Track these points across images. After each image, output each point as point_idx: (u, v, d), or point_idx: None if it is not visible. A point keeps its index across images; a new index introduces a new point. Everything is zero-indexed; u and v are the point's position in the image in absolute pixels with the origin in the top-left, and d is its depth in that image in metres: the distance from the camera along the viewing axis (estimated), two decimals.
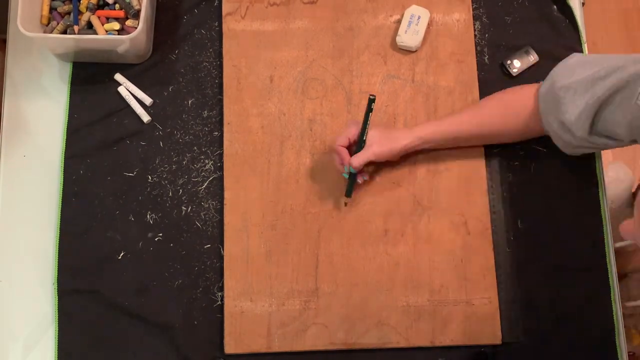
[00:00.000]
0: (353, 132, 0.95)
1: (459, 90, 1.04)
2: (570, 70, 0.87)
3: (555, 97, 0.87)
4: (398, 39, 1.03)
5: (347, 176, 0.96)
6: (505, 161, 1.02)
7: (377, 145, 0.94)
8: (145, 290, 0.98)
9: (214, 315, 0.97)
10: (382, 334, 0.95)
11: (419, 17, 1.03)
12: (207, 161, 1.03)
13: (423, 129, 0.95)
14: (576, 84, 0.85)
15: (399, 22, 1.06)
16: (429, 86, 1.04)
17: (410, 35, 1.02)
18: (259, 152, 1.02)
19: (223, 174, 1.01)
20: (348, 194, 0.97)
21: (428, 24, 1.04)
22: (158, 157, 1.03)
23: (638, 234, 0.67)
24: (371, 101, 0.94)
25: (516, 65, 1.04)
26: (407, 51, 1.04)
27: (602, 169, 1.02)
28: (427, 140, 0.95)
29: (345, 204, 0.99)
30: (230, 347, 0.95)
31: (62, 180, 1.02)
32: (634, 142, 0.83)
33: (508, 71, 1.05)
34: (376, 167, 1.01)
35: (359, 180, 0.97)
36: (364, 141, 0.94)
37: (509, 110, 0.94)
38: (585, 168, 1.02)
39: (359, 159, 0.93)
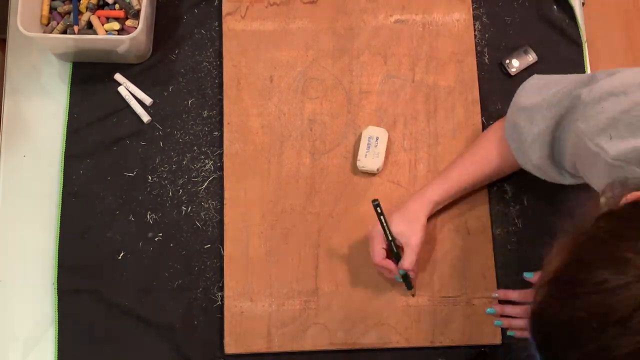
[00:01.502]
0: (382, 241, 0.92)
1: (459, 90, 1.04)
2: (530, 93, 0.85)
3: (516, 126, 0.85)
4: (358, 163, 0.98)
5: (400, 279, 0.94)
6: None
7: (412, 237, 0.90)
8: (145, 290, 0.98)
9: (214, 315, 0.97)
10: (382, 334, 0.95)
11: (377, 139, 0.98)
12: (207, 161, 1.03)
13: (432, 192, 0.93)
14: (533, 109, 0.82)
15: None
16: (429, 86, 1.04)
17: (371, 158, 0.98)
18: (259, 152, 1.02)
19: (223, 174, 1.01)
20: (410, 287, 0.95)
21: (387, 142, 0.99)
22: (158, 157, 1.03)
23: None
24: (376, 206, 0.90)
25: (515, 64, 1.04)
26: (369, 174, 1.00)
27: None
28: (440, 201, 0.93)
29: (413, 295, 0.96)
30: (230, 347, 0.95)
31: (62, 180, 1.02)
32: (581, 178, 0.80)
33: (507, 71, 1.05)
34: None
35: (411, 274, 0.94)
36: (395, 241, 0.91)
37: (501, 151, 0.91)
38: None
39: (409, 261, 0.90)
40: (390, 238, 0.91)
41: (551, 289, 0.54)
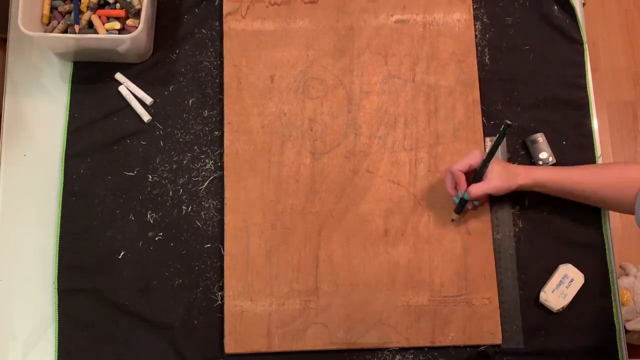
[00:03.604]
0: (476, 160, 0.94)
1: (459, 90, 1.04)
2: None
3: None
4: (543, 295, 0.96)
5: (456, 200, 0.95)
6: (505, 161, 1.02)
7: (498, 180, 0.93)
8: (145, 290, 0.98)
9: (214, 315, 0.97)
10: (382, 334, 0.95)
11: (571, 280, 0.96)
12: (207, 161, 1.03)
13: (542, 172, 0.94)
14: None
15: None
16: (430, 86, 1.04)
17: (557, 296, 0.96)
18: (260, 151, 1.02)
19: (223, 174, 1.01)
20: (458, 211, 0.97)
21: (581, 288, 0.97)
22: (158, 157, 1.03)
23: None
24: (505, 129, 0.91)
25: (542, 157, 1.02)
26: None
27: None
28: (542, 185, 0.94)
29: (453, 220, 0.98)
30: (230, 347, 0.95)
31: (63, 180, 1.02)
32: None
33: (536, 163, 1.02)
34: (375, 165, 1.01)
35: (469, 206, 0.97)
36: (485, 172, 0.93)
37: (629, 186, 0.89)
38: None
39: (478, 190, 0.93)
40: (487, 162, 0.93)
41: None
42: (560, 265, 0.98)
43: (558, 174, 0.94)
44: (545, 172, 0.94)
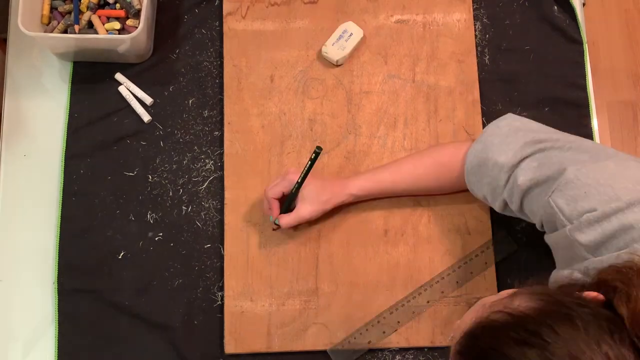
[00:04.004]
0: (289, 186, 0.93)
1: (459, 90, 1.04)
2: (502, 142, 0.84)
3: (482, 172, 0.86)
4: (323, 48, 1.03)
5: (272, 219, 0.95)
6: None
7: (306, 210, 0.93)
8: (145, 290, 0.98)
9: (214, 315, 0.97)
10: (382, 334, 0.95)
11: (350, 34, 1.02)
12: (207, 161, 1.03)
13: (358, 185, 0.94)
14: (504, 165, 0.82)
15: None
16: (430, 86, 1.04)
17: (336, 49, 1.02)
18: (260, 151, 1.02)
19: (223, 174, 1.01)
20: (274, 225, 0.97)
21: (360, 42, 1.03)
22: (158, 157, 1.03)
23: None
24: (317, 155, 0.89)
25: None
26: (329, 62, 1.04)
27: None
28: (360, 197, 0.96)
29: (274, 229, 0.98)
30: (230, 347, 0.95)
31: (63, 180, 1.02)
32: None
33: None
34: (375, 165, 1.01)
35: (275, 227, 0.98)
36: (296, 197, 0.93)
37: (444, 173, 0.93)
38: None
39: (287, 221, 0.93)
40: (298, 188, 0.92)
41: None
42: (342, 23, 1.03)
43: (371, 180, 0.95)
44: (360, 182, 0.95)
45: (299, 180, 0.92)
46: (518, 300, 0.61)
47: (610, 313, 0.58)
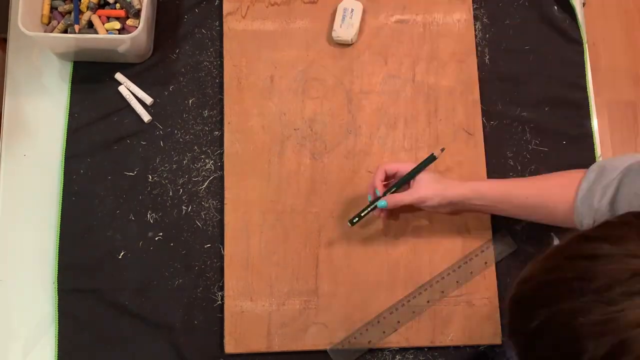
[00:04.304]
0: (403, 168, 0.91)
1: (459, 90, 1.04)
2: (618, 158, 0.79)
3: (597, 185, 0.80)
4: (334, 33, 1.04)
5: (370, 198, 0.93)
6: (505, 161, 1.02)
7: (425, 189, 0.88)
8: (145, 290, 0.98)
9: (214, 315, 0.97)
10: (382, 334, 0.95)
11: (352, 10, 1.04)
12: (207, 161, 1.03)
13: (479, 185, 0.90)
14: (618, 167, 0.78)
15: (333, 16, 1.07)
16: (430, 86, 1.04)
17: (345, 28, 1.03)
18: (260, 151, 1.02)
19: (223, 174, 1.01)
20: (354, 221, 0.93)
21: (362, 15, 1.05)
22: (158, 157, 1.03)
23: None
24: (433, 159, 0.91)
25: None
26: (344, 45, 1.05)
27: None
28: (481, 195, 0.88)
29: (351, 225, 0.95)
30: (230, 347, 0.95)
31: (63, 180, 1.02)
32: None
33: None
34: (376, 165, 1.01)
35: (376, 213, 0.94)
36: (408, 181, 0.91)
37: (566, 189, 0.84)
38: (586, 167, 1.02)
39: (402, 198, 0.89)
40: (411, 174, 0.90)
41: (547, 257, 0.57)
42: (338, 5, 1.05)
43: (501, 184, 0.90)
44: (486, 183, 0.92)
45: (418, 167, 0.90)
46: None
47: None
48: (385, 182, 0.94)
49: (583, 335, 0.49)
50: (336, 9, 1.05)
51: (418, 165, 0.92)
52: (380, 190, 0.92)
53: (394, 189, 0.92)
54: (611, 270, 0.49)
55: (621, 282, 0.48)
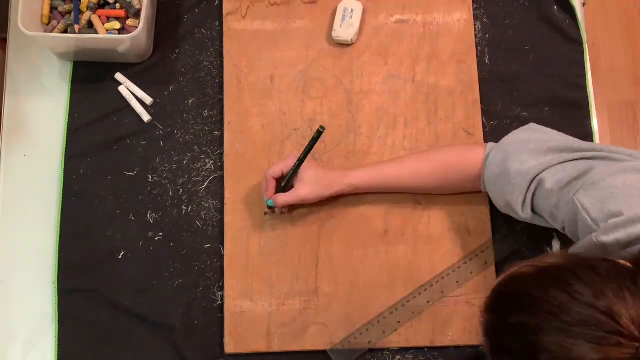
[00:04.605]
0: (289, 166, 0.93)
1: (459, 90, 1.04)
2: (523, 151, 0.84)
3: (504, 181, 0.85)
4: (333, 33, 1.03)
5: (266, 203, 0.95)
6: None
7: (305, 190, 0.92)
8: (145, 290, 0.98)
9: (214, 315, 0.97)
10: (381, 334, 0.95)
11: (352, 10, 1.03)
12: (207, 161, 1.03)
13: (358, 176, 0.94)
14: (528, 170, 0.82)
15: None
16: (430, 86, 1.04)
17: (345, 28, 1.03)
18: (260, 151, 1.02)
19: (223, 174, 1.01)
20: (266, 213, 0.98)
21: (362, 15, 1.05)
22: (158, 157, 1.03)
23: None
24: (319, 134, 0.90)
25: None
26: (344, 45, 1.05)
27: None
28: (359, 189, 0.95)
29: (266, 214, 0.98)
30: (230, 347, 0.95)
31: (63, 180, 1.02)
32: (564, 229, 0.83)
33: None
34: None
35: (277, 212, 0.97)
36: (293, 178, 0.93)
37: (451, 174, 0.93)
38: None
39: (283, 200, 0.93)
40: (294, 169, 0.92)
41: (543, 270, 0.67)
42: (338, 5, 1.04)
43: (373, 173, 0.94)
44: (361, 174, 0.94)
45: (300, 157, 0.92)
46: (546, 259, 0.68)
47: (633, 268, 0.64)
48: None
49: (543, 347, 0.60)
50: (336, 8, 1.05)
51: (302, 153, 0.92)
52: (269, 195, 0.94)
53: (283, 187, 0.95)
54: (582, 314, 0.60)
55: (585, 326, 0.59)
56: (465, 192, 0.97)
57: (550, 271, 0.66)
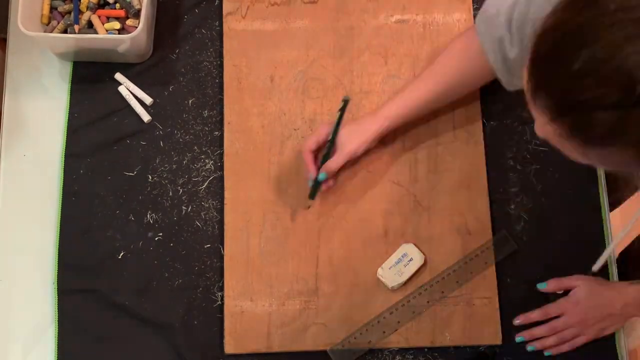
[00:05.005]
0: (323, 135, 0.93)
1: None
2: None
3: (488, 17, 0.85)
4: (380, 271, 0.96)
5: (310, 184, 0.94)
6: (505, 161, 1.02)
7: (349, 144, 0.92)
8: (145, 290, 0.98)
9: (214, 315, 0.97)
10: (381, 334, 0.95)
11: (410, 259, 0.96)
12: (207, 161, 1.03)
13: (387, 108, 0.93)
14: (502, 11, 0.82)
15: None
16: None
17: (393, 274, 0.95)
18: (260, 151, 1.02)
19: (223, 174, 1.01)
20: (312, 196, 0.96)
21: (420, 268, 0.96)
22: (158, 157, 1.03)
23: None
24: (346, 103, 0.93)
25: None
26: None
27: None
28: (395, 118, 0.93)
29: (309, 207, 0.98)
30: (230, 347, 0.95)
31: (62, 180, 1.02)
32: None
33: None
34: (375, 165, 1.01)
35: (324, 187, 0.96)
36: (334, 143, 0.93)
37: (462, 59, 0.92)
38: (585, 168, 1.02)
39: (336, 163, 0.92)
40: (334, 135, 0.92)
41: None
42: (403, 244, 0.97)
43: (402, 99, 0.93)
44: (393, 104, 0.93)
45: (335, 127, 0.92)
46: None
47: None
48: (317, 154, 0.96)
49: (632, 65, 0.49)
50: (399, 247, 0.97)
51: (335, 125, 0.93)
52: (312, 170, 0.93)
53: (325, 159, 0.94)
54: None
55: None
56: (486, 82, 0.95)
57: None
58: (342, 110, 0.93)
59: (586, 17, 0.52)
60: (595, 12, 0.52)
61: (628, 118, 0.50)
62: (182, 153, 1.03)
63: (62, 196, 1.01)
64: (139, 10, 1.00)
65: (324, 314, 0.96)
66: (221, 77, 1.05)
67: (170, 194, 1.01)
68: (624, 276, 1.00)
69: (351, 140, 0.93)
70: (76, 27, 1.02)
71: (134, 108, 1.04)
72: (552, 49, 0.55)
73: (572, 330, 0.93)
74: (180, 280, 0.98)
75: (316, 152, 0.95)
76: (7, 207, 1.02)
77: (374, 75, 1.05)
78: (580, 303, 0.93)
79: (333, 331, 0.95)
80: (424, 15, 1.07)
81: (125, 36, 0.97)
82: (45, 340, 0.97)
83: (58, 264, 0.99)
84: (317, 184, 0.95)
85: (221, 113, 1.04)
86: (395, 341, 0.95)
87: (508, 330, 0.96)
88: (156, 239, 1.00)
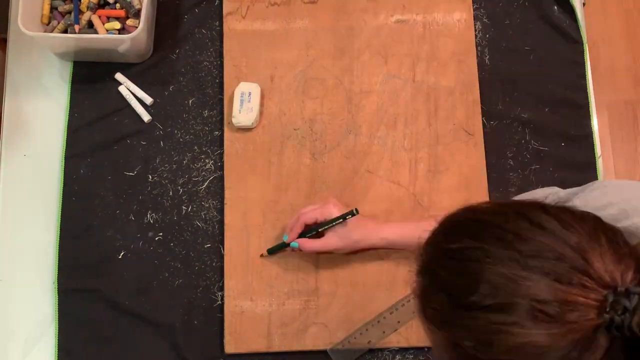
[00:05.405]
0: (324, 216, 0.91)
1: (459, 90, 1.04)
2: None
3: None
4: (234, 120, 0.99)
5: (284, 238, 0.94)
6: (505, 161, 1.02)
7: (336, 241, 0.92)
8: (145, 290, 0.98)
9: (214, 315, 0.97)
10: (381, 334, 0.95)
11: (249, 94, 1.00)
12: (207, 161, 1.03)
13: (390, 230, 0.93)
14: None
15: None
16: (430, 86, 1.04)
17: (245, 113, 0.99)
18: (260, 151, 1.02)
19: (223, 174, 1.01)
20: (271, 252, 0.96)
21: (260, 97, 1.00)
22: (158, 157, 1.03)
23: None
24: (352, 214, 0.90)
25: None
26: (244, 129, 1.02)
27: (602, 169, 1.03)
28: (391, 243, 0.93)
29: (262, 256, 0.97)
30: (230, 347, 0.95)
31: (63, 180, 1.02)
32: None
33: None
34: (375, 165, 1.01)
35: (289, 249, 0.96)
36: (326, 227, 0.92)
37: None
38: (585, 168, 1.02)
39: (311, 246, 0.92)
40: (329, 224, 0.91)
41: (502, 203, 0.59)
42: (235, 89, 1.00)
43: (409, 226, 0.92)
44: (395, 228, 0.93)
45: (330, 223, 0.91)
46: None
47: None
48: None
49: (485, 278, 0.52)
50: (233, 93, 1.01)
51: (336, 219, 0.91)
52: (291, 236, 0.93)
53: (310, 234, 0.93)
54: (543, 245, 0.51)
55: (544, 258, 0.51)
56: None
57: (514, 204, 0.57)
58: (344, 216, 0.90)
59: (493, 220, 0.56)
60: (503, 220, 0.55)
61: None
62: (182, 153, 1.03)
63: (62, 196, 1.01)
64: (139, 10, 1.00)
65: (324, 313, 0.96)
66: (221, 77, 1.05)
67: (171, 193, 1.01)
68: None
69: (339, 238, 0.91)
70: (76, 27, 1.02)
71: (134, 108, 1.04)
72: (455, 220, 0.60)
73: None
74: (180, 280, 0.98)
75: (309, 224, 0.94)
76: (7, 207, 1.02)
77: (373, 75, 1.05)
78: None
79: (333, 331, 0.95)
80: (424, 15, 1.07)
81: (125, 36, 0.97)
82: (45, 340, 0.97)
83: (58, 264, 0.99)
84: (284, 246, 0.95)
85: (221, 113, 1.04)
86: (395, 341, 0.95)
87: None
88: (156, 238, 1.00)
